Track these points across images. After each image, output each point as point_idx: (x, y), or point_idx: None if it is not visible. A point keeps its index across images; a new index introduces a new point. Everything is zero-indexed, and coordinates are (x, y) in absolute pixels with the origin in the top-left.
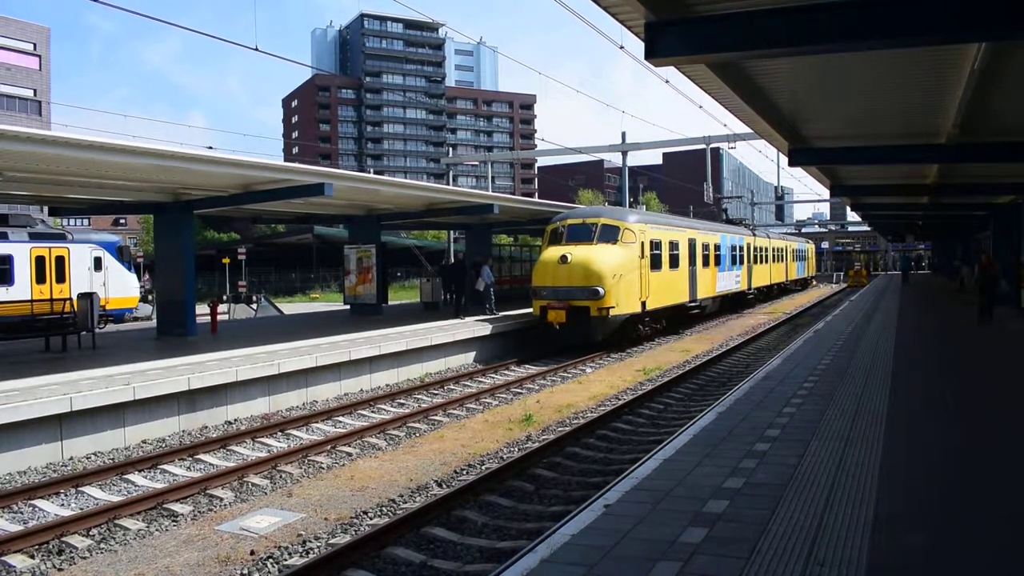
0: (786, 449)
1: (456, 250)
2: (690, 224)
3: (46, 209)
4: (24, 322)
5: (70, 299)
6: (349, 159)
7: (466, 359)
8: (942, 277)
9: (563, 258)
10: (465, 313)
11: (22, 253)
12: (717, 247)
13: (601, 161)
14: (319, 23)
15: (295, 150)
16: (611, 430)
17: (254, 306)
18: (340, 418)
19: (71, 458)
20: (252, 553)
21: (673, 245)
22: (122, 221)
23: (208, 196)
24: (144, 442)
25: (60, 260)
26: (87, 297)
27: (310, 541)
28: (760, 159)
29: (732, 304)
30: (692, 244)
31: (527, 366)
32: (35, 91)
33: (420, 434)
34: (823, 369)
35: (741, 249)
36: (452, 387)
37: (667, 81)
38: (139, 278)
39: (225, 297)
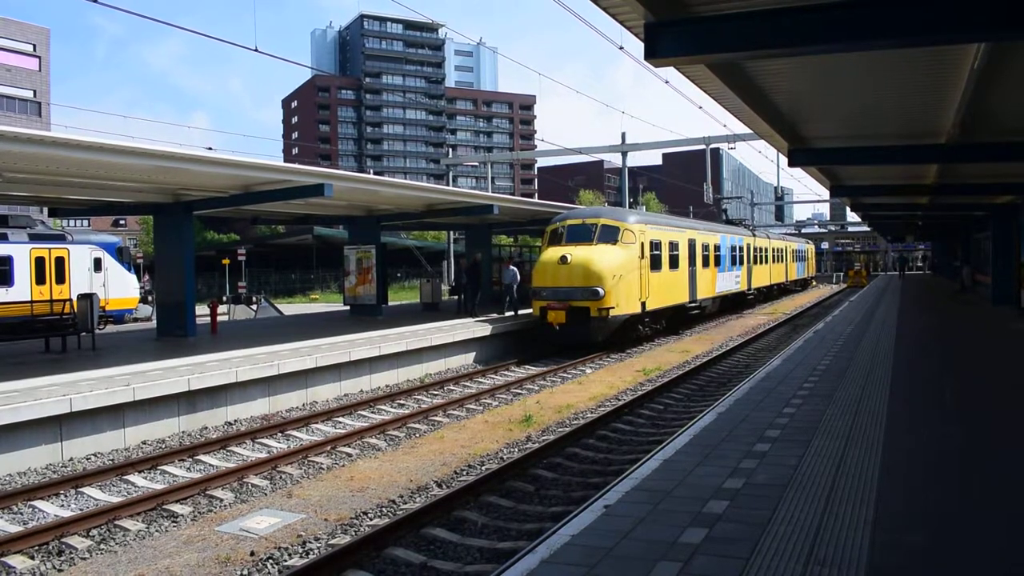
0: (786, 449)
1: (475, 252)
2: (690, 224)
3: (46, 210)
4: (24, 323)
5: (70, 300)
6: (349, 160)
7: (466, 360)
8: (941, 277)
9: (563, 259)
10: (476, 313)
11: (22, 254)
12: (717, 247)
13: (601, 161)
14: (319, 24)
15: (295, 151)
16: (611, 431)
17: (254, 307)
18: (340, 419)
19: (71, 459)
20: (252, 554)
21: (673, 246)
22: (122, 222)
23: (208, 197)
24: (144, 443)
25: (60, 261)
26: (87, 298)
27: (310, 542)
28: (760, 159)
29: (732, 304)
30: (692, 244)
31: (527, 367)
32: (35, 92)
33: (420, 435)
34: (823, 369)
35: (741, 249)
36: (452, 388)
37: (667, 82)
38: (139, 279)
39: (225, 298)
